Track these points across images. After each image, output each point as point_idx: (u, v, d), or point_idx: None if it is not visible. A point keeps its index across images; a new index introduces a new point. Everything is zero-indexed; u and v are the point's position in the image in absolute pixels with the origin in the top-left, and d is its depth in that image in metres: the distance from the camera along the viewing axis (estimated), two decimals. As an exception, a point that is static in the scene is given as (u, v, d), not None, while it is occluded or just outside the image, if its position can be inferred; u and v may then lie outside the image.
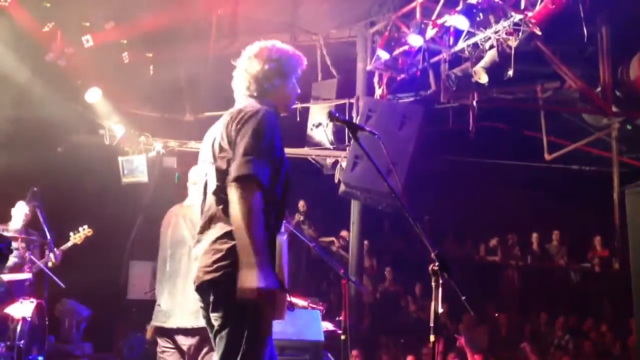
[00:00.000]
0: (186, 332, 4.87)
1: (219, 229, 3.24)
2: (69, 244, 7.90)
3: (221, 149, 3.30)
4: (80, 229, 7.99)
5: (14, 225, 7.77)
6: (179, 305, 4.86)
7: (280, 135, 3.33)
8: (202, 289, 3.27)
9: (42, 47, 8.95)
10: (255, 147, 3.16)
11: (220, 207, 3.26)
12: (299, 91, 3.62)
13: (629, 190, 6.02)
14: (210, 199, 3.34)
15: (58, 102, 9.40)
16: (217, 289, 3.20)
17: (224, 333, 3.19)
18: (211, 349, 4.72)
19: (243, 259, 3.06)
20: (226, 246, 3.19)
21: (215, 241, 3.22)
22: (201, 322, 4.65)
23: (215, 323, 3.24)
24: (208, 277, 3.20)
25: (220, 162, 3.29)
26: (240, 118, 3.27)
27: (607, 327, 10.63)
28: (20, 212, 7.80)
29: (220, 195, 3.27)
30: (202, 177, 3.48)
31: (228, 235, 3.19)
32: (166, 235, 5.16)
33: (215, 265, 3.18)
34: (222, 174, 3.27)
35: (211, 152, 3.37)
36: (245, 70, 3.49)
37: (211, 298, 3.22)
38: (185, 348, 4.92)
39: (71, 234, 7.96)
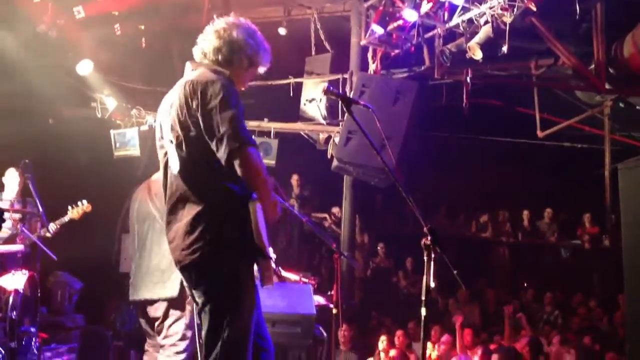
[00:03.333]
0: (152, 303, 4.95)
1: (189, 210, 3.26)
2: (66, 218, 7.71)
3: (181, 126, 3.25)
4: (79, 203, 7.78)
5: (8, 194, 7.72)
6: (144, 278, 4.95)
7: (238, 95, 3.33)
8: (183, 269, 3.33)
9: (33, 18, 8.84)
10: (230, 116, 3.15)
11: (187, 187, 3.27)
12: (242, 88, 3.56)
13: (622, 166, 6.03)
14: (176, 179, 3.31)
15: (49, 74, 9.31)
16: (196, 268, 3.26)
17: (206, 309, 3.25)
18: (177, 319, 4.84)
19: (262, 200, 3.24)
20: (199, 227, 3.22)
21: (188, 223, 3.24)
22: (166, 293, 4.78)
23: (199, 300, 3.30)
24: (187, 259, 3.25)
25: (181, 140, 3.25)
26: (201, 92, 3.20)
27: (596, 302, 10.75)
28: (12, 180, 7.73)
29: (186, 175, 3.28)
30: (161, 154, 3.44)
31: (199, 217, 3.23)
32: (133, 211, 5.23)
33: (191, 248, 3.23)
34: (185, 152, 3.25)
35: (170, 130, 3.31)
36: (222, 32, 3.42)
37: (192, 277, 3.29)
38: (153, 318, 5.01)
39: (69, 207, 7.78)
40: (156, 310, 4.96)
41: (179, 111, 3.26)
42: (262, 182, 3.21)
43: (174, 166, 3.31)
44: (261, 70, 3.61)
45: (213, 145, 3.16)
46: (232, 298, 3.21)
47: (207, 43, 3.45)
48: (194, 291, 3.33)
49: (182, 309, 4.84)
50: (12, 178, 7.76)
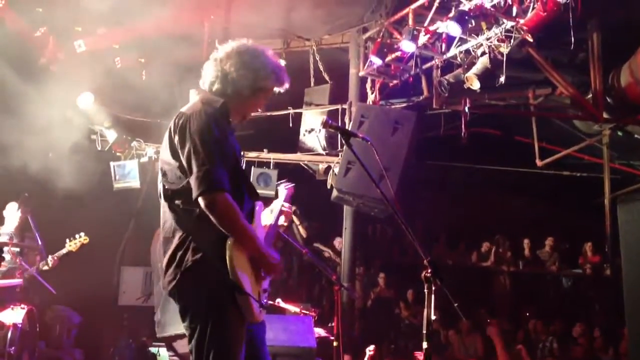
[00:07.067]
0: (183, 337, 4.93)
1: (176, 240, 3.20)
2: (64, 250, 7.78)
3: (165, 161, 3.27)
4: (77, 236, 7.89)
5: (8, 228, 7.72)
6: (174, 314, 4.92)
7: (224, 130, 3.22)
8: (172, 298, 3.26)
9: (34, 52, 8.91)
10: (203, 154, 3.08)
11: (173, 218, 3.23)
12: (259, 110, 3.54)
13: (621, 198, 6.04)
14: (165, 210, 3.29)
15: (49, 107, 9.35)
16: (179, 297, 3.18)
17: (192, 342, 3.13)
18: None
19: (253, 254, 3.19)
20: (180, 256, 3.16)
21: (173, 252, 3.20)
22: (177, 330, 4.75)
23: (187, 332, 3.19)
24: (169, 286, 3.19)
25: (165, 173, 3.26)
26: (179, 125, 3.21)
27: (598, 332, 10.66)
28: (12, 213, 7.74)
29: (170, 205, 3.24)
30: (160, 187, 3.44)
31: (182, 244, 3.17)
32: (155, 249, 5.21)
33: (172, 276, 3.17)
34: (168, 184, 3.24)
35: (161, 161, 3.34)
36: (218, 63, 3.39)
37: (178, 307, 3.22)
38: (184, 352, 4.98)
39: (67, 240, 7.85)
40: (182, 347, 4.94)
41: (166, 143, 3.28)
42: (237, 230, 3.11)
43: (162, 197, 3.30)
44: (276, 90, 3.53)
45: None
46: (215, 332, 3.07)
47: (206, 73, 3.45)
48: (183, 324, 3.23)
49: None
50: (12, 212, 7.77)
